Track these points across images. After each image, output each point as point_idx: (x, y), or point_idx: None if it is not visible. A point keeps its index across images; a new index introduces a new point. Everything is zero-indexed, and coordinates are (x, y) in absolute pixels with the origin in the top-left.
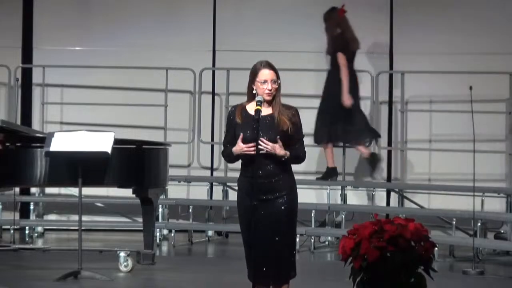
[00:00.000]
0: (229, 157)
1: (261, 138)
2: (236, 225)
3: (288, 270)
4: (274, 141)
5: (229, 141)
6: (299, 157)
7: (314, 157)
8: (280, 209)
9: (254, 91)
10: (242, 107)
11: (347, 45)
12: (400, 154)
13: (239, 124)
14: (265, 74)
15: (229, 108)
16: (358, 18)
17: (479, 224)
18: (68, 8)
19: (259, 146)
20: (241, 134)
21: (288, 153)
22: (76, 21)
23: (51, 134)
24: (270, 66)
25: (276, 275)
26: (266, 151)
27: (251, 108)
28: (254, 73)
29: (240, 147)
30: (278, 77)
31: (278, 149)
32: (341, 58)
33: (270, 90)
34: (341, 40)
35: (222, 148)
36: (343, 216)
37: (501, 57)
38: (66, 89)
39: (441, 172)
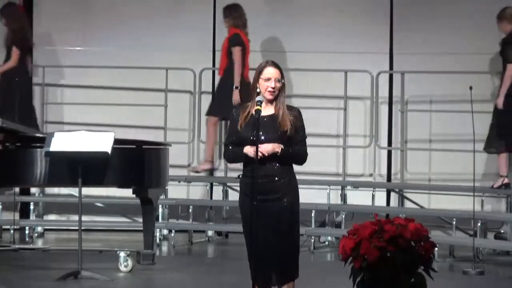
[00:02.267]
0: (235, 157)
1: (260, 150)
2: (236, 225)
3: (291, 270)
4: (274, 141)
5: (233, 141)
6: (298, 157)
7: (314, 156)
8: (282, 209)
9: (258, 90)
10: (246, 108)
11: (24, 40)
12: (400, 154)
13: (242, 125)
14: (270, 72)
15: (233, 108)
16: (358, 18)
17: (479, 224)
18: (68, 8)
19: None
20: (245, 140)
21: (281, 146)
22: (76, 21)
23: (51, 134)
24: (275, 64)
25: (278, 275)
26: (264, 155)
27: (253, 107)
28: (259, 71)
29: (252, 150)
30: (282, 77)
31: (271, 149)
32: (15, 53)
33: (273, 88)
34: (19, 35)
35: (224, 149)
36: (343, 216)
37: (501, 57)
38: (66, 89)
39: (441, 172)
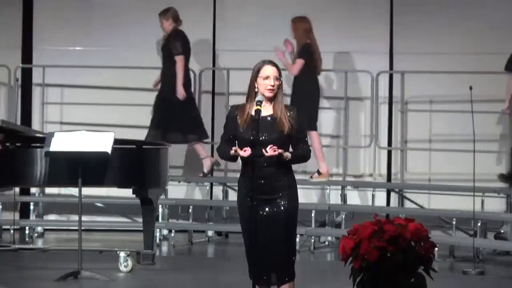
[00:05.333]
0: (225, 156)
1: (264, 150)
2: (236, 225)
3: (289, 270)
4: (274, 142)
5: (228, 139)
6: (303, 156)
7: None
8: (280, 210)
9: (256, 89)
10: (244, 107)
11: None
12: (400, 154)
13: (241, 125)
14: (268, 70)
15: (230, 107)
16: (358, 18)
17: (479, 224)
18: (68, 8)
19: (265, 153)
20: (245, 140)
21: (289, 155)
22: (76, 21)
23: (51, 134)
24: (273, 63)
25: (276, 275)
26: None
27: (252, 108)
28: (256, 70)
29: (238, 152)
30: (280, 75)
31: (281, 153)
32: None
33: (273, 86)
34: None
35: (219, 144)
36: (343, 216)
37: (501, 57)
38: (66, 89)
39: (441, 172)
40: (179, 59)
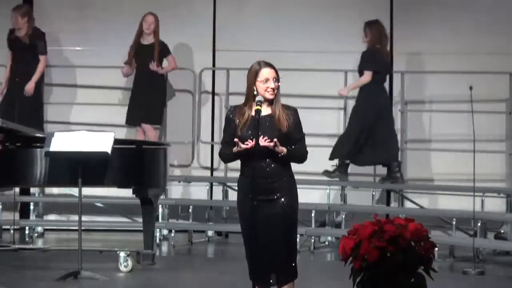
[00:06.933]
0: (227, 156)
1: (261, 139)
2: (236, 225)
3: (290, 271)
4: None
5: (228, 141)
6: (300, 155)
7: (315, 156)
8: (281, 210)
9: (255, 92)
10: (242, 108)
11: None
12: (400, 154)
13: (239, 125)
14: (267, 72)
15: (228, 108)
16: (358, 18)
17: (479, 224)
18: (68, 8)
19: (260, 146)
20: (245, 141)
21: (284, 149)
22: (76, 21)
23: (51, 134)
24: (270, 65)
25: (277, 276)
26: (265, 148)
27: (251, 109)
28: (254, 74)
29: (240, 147)
30: (278, 75)
31: (272, 145)
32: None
33: (273, 89)
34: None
35: (220, 149)
36: (343, 216)
37: (501, 57)
38: (66, 89)
39: (441, 172)
40: (44, 59)
